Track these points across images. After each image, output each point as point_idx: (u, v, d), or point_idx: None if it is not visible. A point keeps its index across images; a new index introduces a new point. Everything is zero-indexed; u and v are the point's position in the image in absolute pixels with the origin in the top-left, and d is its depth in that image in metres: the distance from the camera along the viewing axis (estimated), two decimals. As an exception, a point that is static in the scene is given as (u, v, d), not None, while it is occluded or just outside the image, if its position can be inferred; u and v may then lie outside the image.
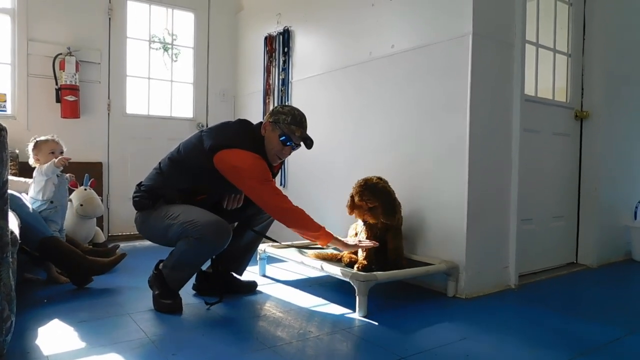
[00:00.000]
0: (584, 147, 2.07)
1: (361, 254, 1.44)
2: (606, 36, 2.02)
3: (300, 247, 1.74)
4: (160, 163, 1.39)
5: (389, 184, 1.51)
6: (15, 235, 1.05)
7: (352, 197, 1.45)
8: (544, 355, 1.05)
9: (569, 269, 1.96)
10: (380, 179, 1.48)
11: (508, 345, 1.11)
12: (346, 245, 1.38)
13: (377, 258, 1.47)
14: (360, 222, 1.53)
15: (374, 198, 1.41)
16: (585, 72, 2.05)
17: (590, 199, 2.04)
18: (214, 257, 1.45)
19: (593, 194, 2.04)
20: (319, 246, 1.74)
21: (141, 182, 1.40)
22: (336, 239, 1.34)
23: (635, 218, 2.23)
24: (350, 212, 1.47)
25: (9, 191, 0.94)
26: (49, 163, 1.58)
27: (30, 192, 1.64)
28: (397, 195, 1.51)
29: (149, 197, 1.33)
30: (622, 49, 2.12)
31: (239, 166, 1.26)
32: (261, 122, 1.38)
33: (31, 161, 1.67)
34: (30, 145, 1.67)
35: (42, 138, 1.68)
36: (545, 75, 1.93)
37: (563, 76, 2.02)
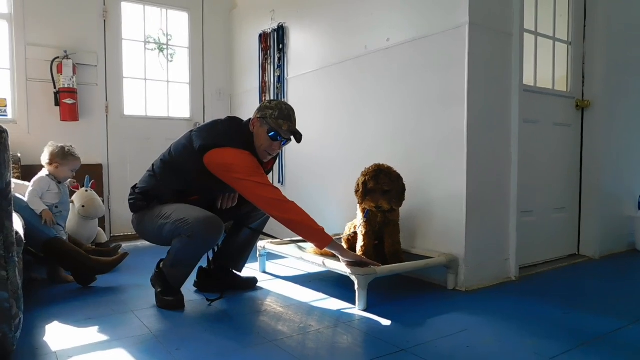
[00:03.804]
0: (585, 137, 2.05)
1: (359, 249, 1.45)
2: (608, 23, 1.98)
3: (299, 242, 1.75)
4: (153, 165, 1.39)
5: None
6: (20, 236, 1.07)
7: (364, 183, 1.41)
8: (545, 346, 1.05)
9: (570, 261, 1.95)
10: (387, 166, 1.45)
11: (509, 337, 1.11)
12: (347, 253, 1.31)
13: (376, 252, 1.47)
14: (358, 219, 1.52)
15: (390, 181, 1.39)
16: (586, 60, 2.01)
17: (592, 189, 2.02)
18: (213, 254, 1.46)
19: (595, 184, 2.02)
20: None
21: (136, 184, 1.41)
22: (336, 243, 1.29)
23: (639, 208, 2.20)
24: (362, 201, 1.42)
25: (14, 193, 0.96)
26: (38, 202, 1.54)
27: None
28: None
29: (143, 199, 1.34)
30: (624, 35, 2.08)
31: (229, 163, 1.25)
32: (250, 119, 1.37)
33: (46, 160, 1.65)
34: (56, 151, 1.65)
35: (73, 152, 1.69)
36: (545, 65, 1.90)
37: (563, 65, 1.99)
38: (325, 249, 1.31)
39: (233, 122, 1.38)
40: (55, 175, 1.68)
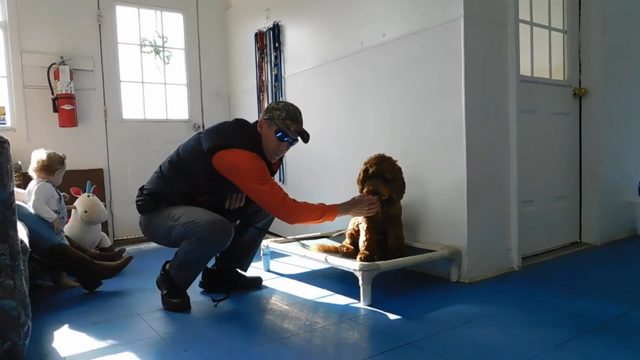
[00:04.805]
0: (583, 125, 2.05)
1: (362, 244, 1.46)
2: (603, 10, 1.98)
3: (302, 240, 1.76)
4: (160, 166, 1.41)
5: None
6: (25, 244, 1.08)
7: (365, 170, 1.43)
8: (550, 334, 1.06)
9: (572, 249, 1.96)
10: None
11: (514, 326, 1.12)
12: (357, 211, 1.36)
13: (379, 247, 1.48)
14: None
15: (392, 170, 1.41)
16: (582, 49, 2.01)
17: (592, 177, 2.03)
18: (218, 254, 1.47)
19: (594, 172, 2.02)
20: (320, 239, 1.77)
21: (143, 186, 1.42)
22: (341, 210, 1.33)
23: (639, 194, 2.21)
24: (361, 187, 1.44)
25: (16, 201, 0.96)
26: (48, 210, 1.56)
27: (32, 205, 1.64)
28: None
29: (152, 200, 1.35)
30: (619, 22, 2.08)
31: (238, 166, 1.27)
32: (257, 121, 1.38)
33: (43, 168, 1.64)
34: (56, 159, 1.67)
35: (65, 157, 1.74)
36: (541, 54, 1.90)
37: (559, 54, 1.98)
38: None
39: (240, 124, 1.40)
40: (54, 182, 1.68)
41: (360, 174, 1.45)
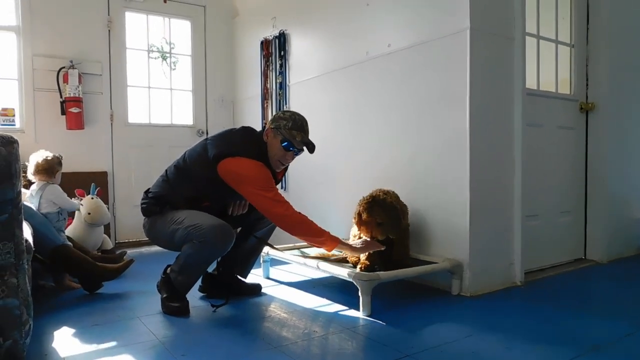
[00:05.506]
0: (590, 139, 2.03)
1: (364, 256, 1.45)
2: (612, 24, 1.97)
3: (302, 248, 1.76)
4: (166, 171, 1.42)
5: (392, 191, 1.51)
6: (30, 244, 1.09)
7: (359, 214, 1.44)
8: (552, 351, 1.04)
9: (577, 265, 1.93)
10: (385, 193, 1.47)
11: (515, 342, 1.11)
12: (354, 249, 1.38)
13: (380, 257, 1.47)
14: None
15: (384, 213, 1.41)
16: (590, 62, 2.00)
17: (598, 192, 2.00)
18: (219, 259, 1.47)
19: (601, 187, 1.99)
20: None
21: (149, 189, 1.43)
22: (343, 243, 1.35)
23: (647, 210, 2.18)
24: (358, 228, 1.47)
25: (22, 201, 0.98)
26: (74, 202, 1.76)
27: (43, 207, 1.67)
28: (399, 196, 1.52)
29: (156, 204, 1.37)
30: (628, 37, 2.07)
31: (242, 174, 1.29)
32: (264, 129, 1.40)
33: (45, 172, 1.68)
34: (55, 161, 1.72)
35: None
36: (548, 68, 1.90)
37: (566, 67, 1.98)
38: (335, 251, 1.36)
39: (247, 132, 1.42)
40: (57, 182, 1.73)
41: (355, 216, 1.47)
